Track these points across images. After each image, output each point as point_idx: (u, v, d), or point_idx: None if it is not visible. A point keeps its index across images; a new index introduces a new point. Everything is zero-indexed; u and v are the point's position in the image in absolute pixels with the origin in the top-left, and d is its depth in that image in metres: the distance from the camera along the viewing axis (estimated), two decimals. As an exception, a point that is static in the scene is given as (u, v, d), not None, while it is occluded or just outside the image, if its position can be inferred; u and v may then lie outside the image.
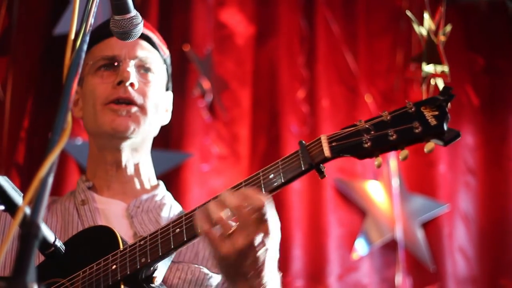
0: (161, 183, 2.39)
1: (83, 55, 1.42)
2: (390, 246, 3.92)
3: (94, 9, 1.54)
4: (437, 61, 2.08)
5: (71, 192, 2.35)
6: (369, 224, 3.93)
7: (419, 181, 4.05)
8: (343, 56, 4.12)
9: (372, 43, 4.20)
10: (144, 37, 2.29)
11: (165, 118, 2.40)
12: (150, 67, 2.28)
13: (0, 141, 3.44)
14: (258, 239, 1.69)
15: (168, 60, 2.41)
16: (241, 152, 3.97)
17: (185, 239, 1.79)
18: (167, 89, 2.41)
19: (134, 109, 2.20)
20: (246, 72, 4.05)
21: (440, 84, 2.24)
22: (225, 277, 1.80)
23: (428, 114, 1.56)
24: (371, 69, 4.17)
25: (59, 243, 1.93)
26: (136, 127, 2.21)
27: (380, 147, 1.58)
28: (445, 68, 2.07)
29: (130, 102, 2.20)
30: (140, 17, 1.91)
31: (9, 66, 3.54)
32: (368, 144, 1.58)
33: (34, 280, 1.15)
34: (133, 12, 1.89)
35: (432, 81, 2.12)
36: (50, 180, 1.21)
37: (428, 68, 2.15)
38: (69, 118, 1.29)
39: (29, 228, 1.17)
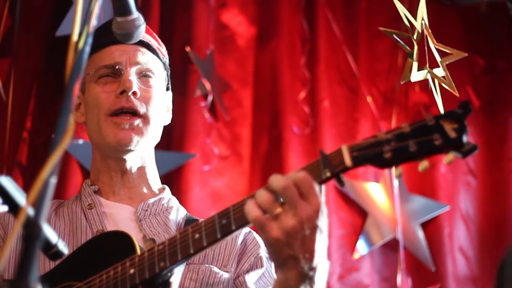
0: (166, 187, 2.40)
1: (86, 56, 1.43)
2: (391, 247, 3.92)
3: (96, 10, 1.55)
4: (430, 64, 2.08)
5: (77, 196, 2.35)
6: (370, 225, 3.94)
7: (420, 182, 4.05)
8: (344, 57, 4.13)
9: (373, 43, 4.20)
10: (143, 43, 2.30)
11: (167, 118, 2.41)
12: (150, 72, 2.29)
13: (2, 142, 3.44)
14: (306, 218, 1.69)
15: (167, 62, 2.42)
16: (243, 153, 3.97)
17: (205, 244, 1.78)
18: (167, 89, 2.42)
19: (137, 121, 2.22)
20: (248, 73, 4.06)
21: (437, 85, 2.23)
22: (275, 262, 1.79)
23: (448, 127, 1.61)
24: (372, 70, 4.17)
25: (61, 244, 1.93)
26: (140, 139, 2.22)
27: (401, 157, 1.62)
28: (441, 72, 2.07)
29: (133, 112, 2.21)
30: (142, 19, 1.92)
31: (11, 67, 3.55)
32: (389, 154, 1.62)
33: (37, 281, 1.15)
34: (136, 14, 1.90)
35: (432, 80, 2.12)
36: (53, 181, 1.22)
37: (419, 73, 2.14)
38: (72, 119, 1.30)
39: (32, 229, 1.17)
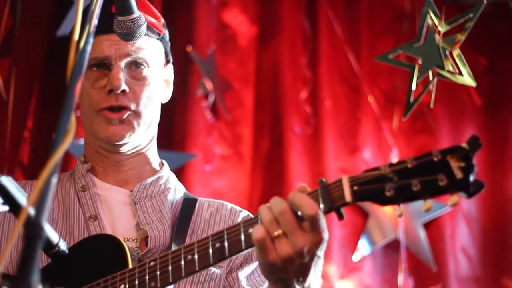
0: (165, 163, 2.35)
1: (87, 55, 1.42)
2: (393, 247, 3.92)
3: (97, 10, 1.54)
4: (438, 62, 2.06)
5: (71, 173, 2.31)
6: (372, 225, 3.94)
7: (421, 181, 4.04)
8: (346, 57, 4.13)
9: (374, 43, 4.20)
10: None
11: (166, 95, 2.34)
12: (142, 62, 2.21)
13: (3, 141, 3.44)
14: (306, 249, 1.63)
15: (166, 35, 2.32)
16: (244, 153, 3.97)
17: (197, 269, 1.73)
18: (168, 62, 2.34)
19: (127, 113, 2.16)
20: (249, 73, 4.05)
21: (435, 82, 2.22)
22: (266, 278, 1.75)
23: (454, 165, 1.52)
24: (373, 69, 4.17)
25: (63, 244, 1.93)
26: (132, 132, 2.18)
27: (403, 196, 1.54)
28: (466, 79, 2.06)
29: (122, 108, 2.16)
30: (143, 18, 1.91)
31: (12, 66, 3.54)
32: (391, 192, 1.54)
33: (38, 281, 1.15)
34: (137, 13, 1.90)
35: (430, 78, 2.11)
36: (54, 181, 1.22)
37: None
38: (73, 119, 1.29)
39: (33, 228, 1.17)
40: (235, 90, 4.03)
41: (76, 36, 1.42)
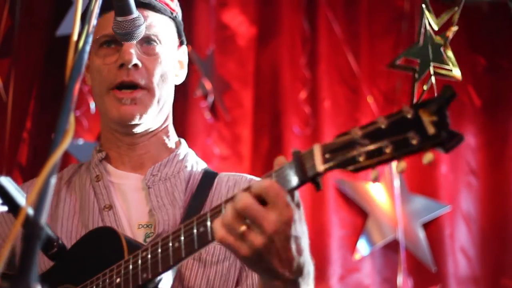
0: (183, 141, 2.30)
1: (86, 56, 1.42)
2: (392, 247, 3.92)
3: (96, 10, 1.54)
4: (438, 60, 2.06)
5: (89, 163, 2.26)
6: (371, 225, 3.94)
7: (421, 181, 4.05)
8: (345, 57, 4.13)
9: (374, 43, 4.20)
10: (146, 5, 2.16)
11: (180, 76, 2.29)
12: (154, 38, 2.15)
13: (2, 142, 3.44)
14: (276, 231, 1.53)
15: (178, 15, 2.27)
16: (243, 153, 3.97)
17: (183, 255, 1.67)
18: (182, 43, 2.29)
19: (139, 94, 2.10)
20: (248, 73, 4.06)
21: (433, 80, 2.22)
22: (259, 276, 1.68)
23: (427, 120, 1.38)
24: (373, 70, 4.17)
25: (62, 244, 1.93)
26: (144, 113, 2.11)
27: (375, 160, 1.42)
28: (456, 72, 2.04)
29: (134, 85, 2.10)
30: (142, 18, 1.91)
31: (11, 67, 3.55)
32: (362, 157, 1.42)
33: (37, 281, 1.15)
34: (136, 13, 1.90)
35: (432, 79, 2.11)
36: (53, 181, 1.22)
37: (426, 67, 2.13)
38: (72, 119, 1.29)
39: (32, 229, 1.17)
40: (234, 90, 4.03)
41: (75, 37, 1.42)
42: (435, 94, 2.09)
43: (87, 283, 1.90)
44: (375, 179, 1.45)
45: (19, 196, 1.82)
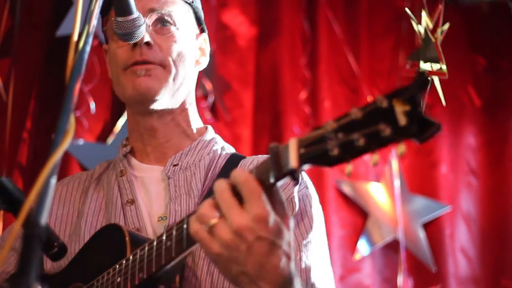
0: (210, 127, 2.27)
1: (86, 56, 1.42)
2: (392, 247, 3.92)
3: (97, 10, 1.54)
4: (434, 59, 2.07)
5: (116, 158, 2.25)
6: (371, 225, 3.94)
7: (421, 182, 4.05)
8: (345, 57, 4.13)
9: (374, 43, 4.20)
10: None
11: (203, 63, 2.24)
12: (169, 19, 2.11)
13: (2, 142, 3.44)
14: (243, 228, 1.46)
15: (197, 1, 2.23)
16: (243, 153, 3.94)
17: (173, 255, 1.62)
18: (202, 31, 2.25)
19: (153, 67, 2.06)
20: (248, 73, 4.05)
21: (437, 82, 2.23)
22: (229, 281, 1.60)
23: (399, 110, 1.30)
24: (373, 70, 4.17)
25: (62, 244, 1.93)
26: (158, 86, 2.06)
27: (349, 154, 1.35)
28: (443, 66, 2.05)
29: (148, 62, 2.06)
30: (142, 19, 1.92)
31: (11, 67, 3.55)
32: (335, 151, 1.35)
33: (37, 281, 1.15)
34: (136, 13, 1.90)
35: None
36: (53, 181, 1.22)
37: (425, 66, 2.13)
38: (72, 119, 1.29)
39: (32, 229, 1.17)
40: (234, 90, 4.03)
41: (75, 37, 1.42)
42: (441, 94, 2.10)
43: (94, 282, 1.90)
44: (349, 175, 1.38)
45: (20, 196, 1.82)
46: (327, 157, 1.37)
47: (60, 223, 2.18)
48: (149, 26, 2.09)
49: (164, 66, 2.08)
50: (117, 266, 1.83)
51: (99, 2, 1.56)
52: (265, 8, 4.14)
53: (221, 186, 1.50)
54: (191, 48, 2.18)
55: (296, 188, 2.01)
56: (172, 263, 1.66)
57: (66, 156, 3.47)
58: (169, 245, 1.64)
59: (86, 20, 1.50)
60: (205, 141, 2.19)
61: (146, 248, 1.73)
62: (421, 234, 3.94)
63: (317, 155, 1.39)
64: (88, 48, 1.42)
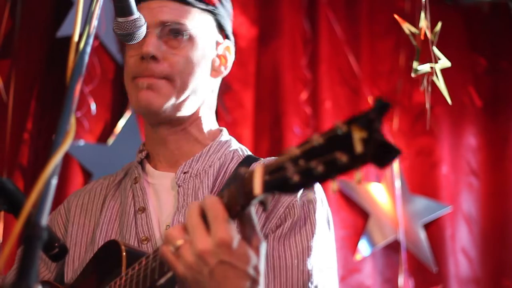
0: (224, 129, 2.26)
1: (87, 57, 1.42)
2: (393, 248, 3.92)
3: (97, 11, 1.54)
4: (429, 60, 2.07)
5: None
6: (372, 226, 3.94)
7: (422, 182, 4.05)
8: (346, 58, 4.13)
9: (375, 44, 4.20)
10: None
11: (222, 71, 2.22)
12: (180, 30, 2.09)
13: (3, 143, 3.44)
14: (205, 251, 1.47)
15: (219, 9, 2.19)
16: (244, 154, 3.97)
17: (156, 277, 1.62)
18: (227, 37, 2.23)
19: (156, 81, 2.05)
20: (249, 74, 4.05)
21: (441, 82, 2.23)
22: None
23: (356, 137, 1.29)
24: (374, 71, 4.17)
25: (63, 245, 1.93)
26: (160, 101, 2.06)
27: (309, 181, 1.35)
28: (436, 66, 2.05)
29: (152, 76, 2.06)
30: (143, 19, 1.91)
31: (12, 68, 3.54)
32: (296, 178, 1.35)
33: (38, 282, 1.15)
34: (136, 14, 1.90)
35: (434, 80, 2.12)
36: (54, 182, 1.22)
37: (423, 67, 2.13)
38: (73, 120, 1.29)
39: (33, 230, 1.17)
40: (235, 91, 4.03)
41: (75, 38, 1.42)
42: (446, 93, 2.09)
43: None
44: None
45: (20, 197, 1.82)
46: (289, 184, 1.36)
47: (82, 233, 2.17)
48: (158, 38, 2.08)
49: (169, 80, 2.07)
50: (113, 284, 1.82)
51: (100, 3, 1.56)
52: (266, 9, 4.14)
53: (192, 209, 1.51)
54: (206, 58, 2.15)
55: (300, 192, 1.99)
56: (158, 285, 1.65)
57: (67, 157, 3.47)
58: (153, 266, 1.63)
59: (86, 21, 1.50)
60: (217, 145, 2.18)
61: (136, 268, 1.72)
62: (422, 235, 3.94)
63: (280, 182, 1.38)
64: (88, 49, 1.43)
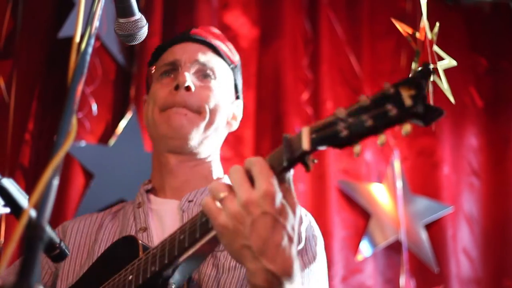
0: (226, 176, 2.35)
1: (88, 57, 1.42)
2: (394, 248, 3.92)
3: (99, 12, 1.55)
4: (428, 60, 2.08)
5: (137, 196, 2.38)
6: (373, 226, 3.94)
7: (423, 182, 4.05)
8: (347, 58, 4.13)
9: (376, 44, 4.20)
10: (209, 44, 2.32)
11: (233, 125, 2.43)
12: (211, 73, 2.28)
13: (4, 144, 3.44)
14: (250, 201, 1.54)
15: (237, 70, 2.42)
16: (245, 154, 3.97)
17: (186, 245, 1.69)
18: (237, 98, 2.43)
19: (189, 113, 2.21)
20: (250, 74, 4.05)
21: (444, 81, 2.23)
22: (232, 256, 1.63)
23: (405, 94, 1.42)
24: (375, 71, 4.17)
25: (64, 245, 1.93)
26: (191, 127, 2.21)
27: (357, 134, 1.46)
28: (440, 66, 2.06)
29: (185, 106, 2.22)
30: (144, 20, 1.92)
31: (13, 69, 3.55)
32: (345, 132, 1.46)
33: (39, 282, 1.15)
34: (138, 15, 1.90)
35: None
36: (55, 183, 1.22)
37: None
38: (74, 121, 1.29)
39: (34, 230, 1.17)
40: (236, 91, 4.03)
41: (77, 38, 1.42)
42: (449, 93, 2.11)
43: (105, 285, 1.94)
44: (357, 155, 1.48)
45: (22, 197, 1.82)
46: (337, 138, 1.47)
47: (77, 249, 2.27)
48: (192, 73, 2.24)
49: (200, 113, 2.23)
50: (129, 267, 1.88)
51: (101, 4, 1.56)
52: (267, 9, 4.14)
53: (235, 168, 1.59)
54: (226, 107, 2.33)
55: (304, 226, 2.13)
56: (185, 256, 1.72)
57: (68, 157, 3.47)
58: (182, 238, 1.70)
59: (88, 21, 1.50)
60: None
61: (159, 247, 1.80)
62: (423, 235, 3.94)
63: (328, 136, 1.49)
64: (90, 50, 1.43)
